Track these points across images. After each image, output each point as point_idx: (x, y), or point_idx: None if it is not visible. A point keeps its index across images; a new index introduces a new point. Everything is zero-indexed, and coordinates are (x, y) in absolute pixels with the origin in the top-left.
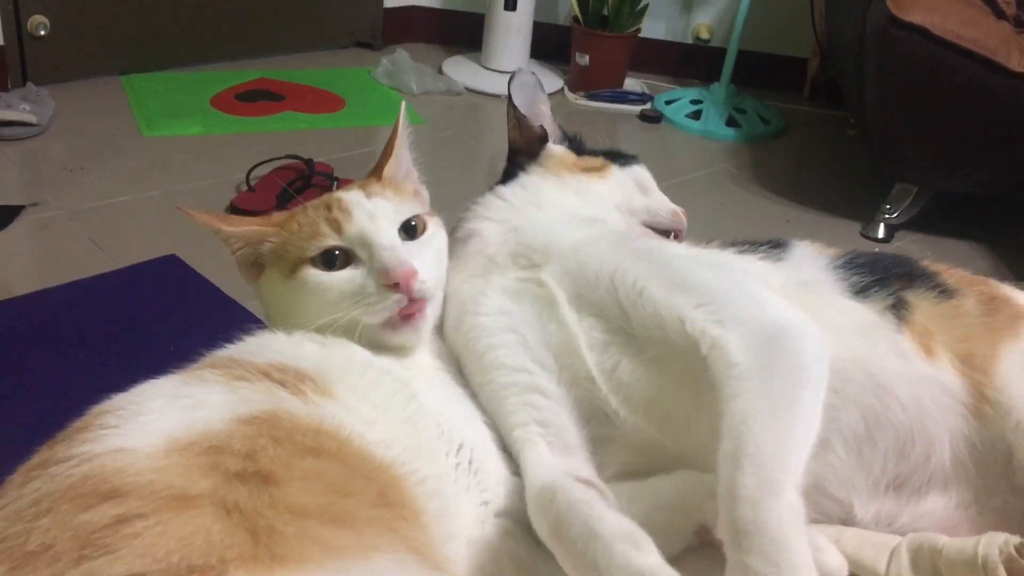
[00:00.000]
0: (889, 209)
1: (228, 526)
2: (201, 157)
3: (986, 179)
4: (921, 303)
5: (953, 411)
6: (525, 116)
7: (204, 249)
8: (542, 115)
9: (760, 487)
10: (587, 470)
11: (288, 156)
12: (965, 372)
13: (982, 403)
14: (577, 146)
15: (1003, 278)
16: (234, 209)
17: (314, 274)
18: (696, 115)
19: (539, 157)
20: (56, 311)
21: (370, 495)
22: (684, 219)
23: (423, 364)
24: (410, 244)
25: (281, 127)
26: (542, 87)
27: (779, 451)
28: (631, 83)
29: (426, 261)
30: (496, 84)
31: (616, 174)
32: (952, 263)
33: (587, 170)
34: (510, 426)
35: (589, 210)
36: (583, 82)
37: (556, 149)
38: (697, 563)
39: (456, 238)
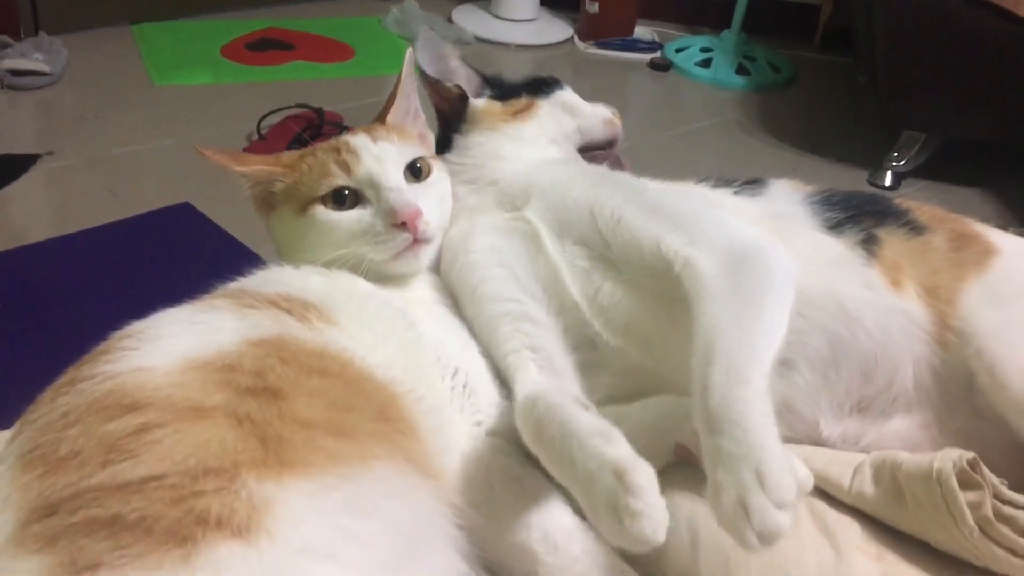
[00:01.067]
0: (896, 157)
1: (240, 434)
2: (212, 106)
3: (993, 125)
4: (891, 239)
5: (917, 339)
6: (438, 79)
7: (218, 197)
8: (454, 71)
9: (729, 378)
10: (575, 390)
11: (298, 105)
12: (930, 303)
13: (945, 332)
14: (499, 90)
15: (1008, 225)
16: None
17: (324, 212)
18: (706, 63)
19: (466, 116)
20: (72, 258)
21: (370, 411)
22: (618, 122)
23: (422, 297)
24: (416, 186)
25: (291, 76)
26: (443, 43)
27: (746, 348)
28: (641, 31)
29: (430, 203)
30: (506, 32)
31: (543, 107)
32: (958, 210)
33: (517, 113)
34: (503, 352)
35: (539, 152)
36: (593, 30)
37: (479, 103)
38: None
39: None
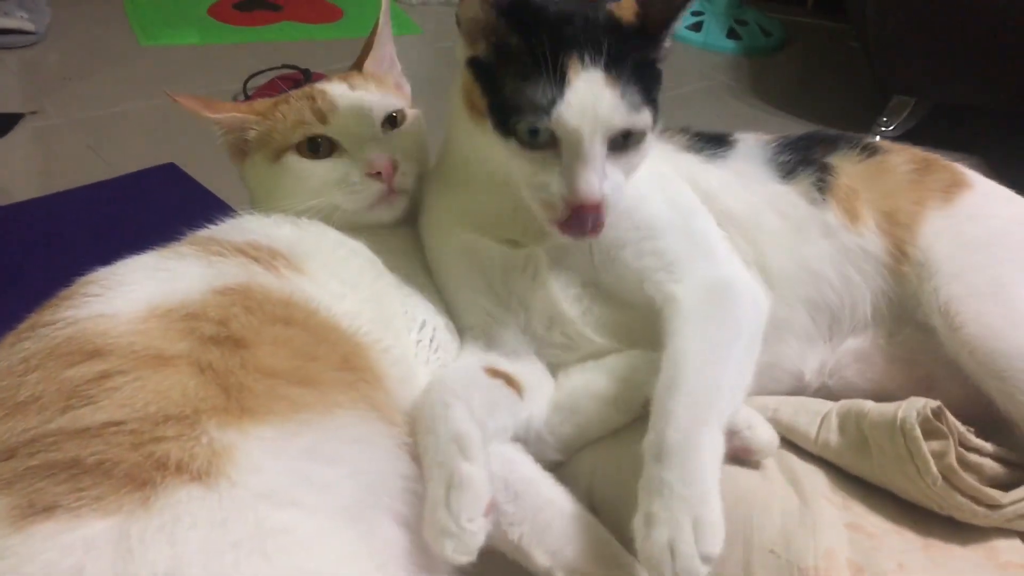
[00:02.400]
0: (885, 122)
1: (202, 382)
2: (198, 66)
3: (981, 90)
4: (844, 164)
5: (875, 274)
6: None
7: (202, 157)
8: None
9: (691, 414)
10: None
11: (285, 66)
12: (887, 230)
13: (902, 262)
14: None
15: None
16: None
17: (298, 160)
18: (697, 27)
19: None
20: (55, 217)
21: (335, 359)
22: None
23: (394, 248)
24: (392, 134)
25: (279, 37)
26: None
27: (712, 390)
28: None
29: (405, 152)
30: None
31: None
32: None
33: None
34: (462, 326)
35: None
36: None
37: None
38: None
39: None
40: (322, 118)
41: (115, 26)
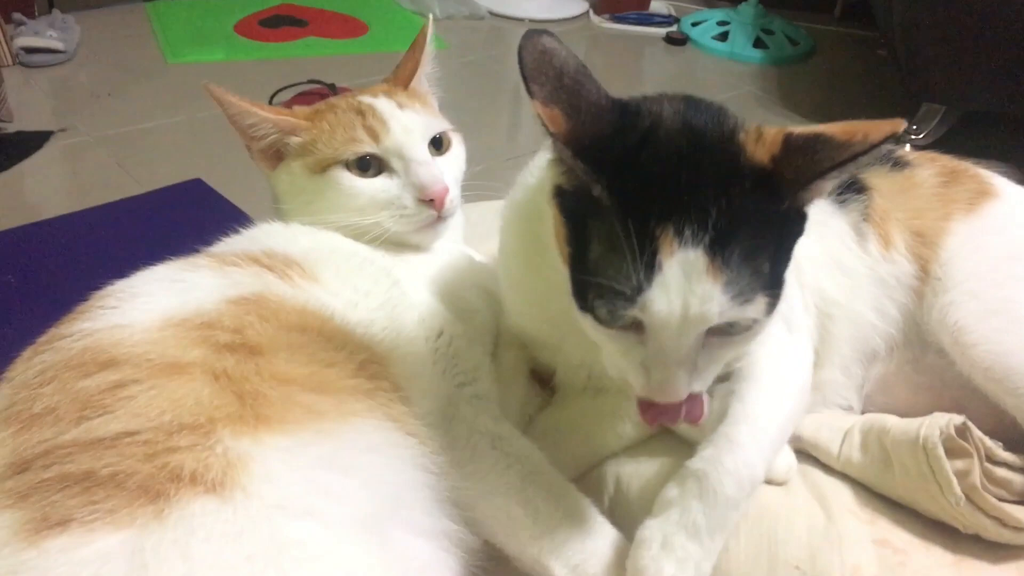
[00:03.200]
0: (916, 130)
1: (217, 390)
2: (225, 83)
3: (1013, 98)
4: (877, 181)
5: (906, 300)
6: None
7: (229, 173)
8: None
9: (747, 473)
10: None
11: (311, 81)
12: (916, 252)
13: (925, 282)
14: None
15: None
16: None
17: (347, 177)
18: (723, 37)
19: None
20: (85, 233)
21: (351, 367)
22: None
23: (409, 257)
24: (439, 159)
25: (304, 53)
26: None
27: (770, 443)
28: (657, 5)
29: (452, 178)
30: (520, 7)
31: None
32: None
33: None
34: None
35: None
36: (608, 4)
37: None
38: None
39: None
40: (374, 136)
41: (143, 44)
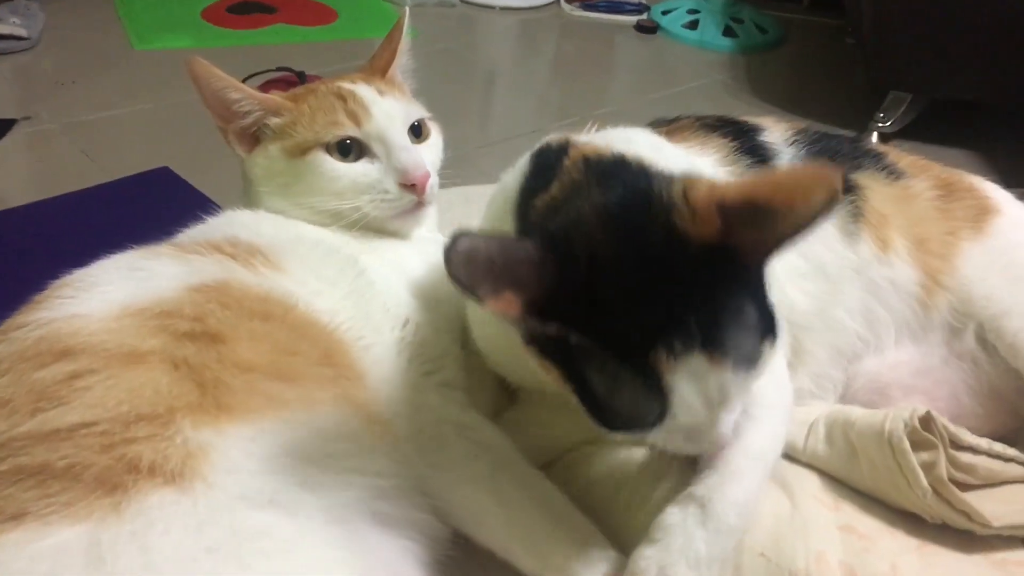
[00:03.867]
0: (883, 117)
1: (176, 379)
2: None
3: (979, 86)
4: (874, 185)
5: (903, 306)
6: None
7: (196, 161)
8: None
9: (745, 508)
10: None
11: (280, 68)
12: (920, 259)
13: (934, 293)
14: None
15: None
16: None
17: (328, 160)
18: (693, 25)
19: None
20: (51, 223)
21: (315, 355)
22: None
23: (377, 246)
24: (420, 147)
25: (273, 40)
26: None
27: (759, 489)
28: None
29: (432, 165)
30: None
31: None
32: None
33: None
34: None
35: None
36: None
37: None
38: None
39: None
40: (356, 120)
41: (109, 31)
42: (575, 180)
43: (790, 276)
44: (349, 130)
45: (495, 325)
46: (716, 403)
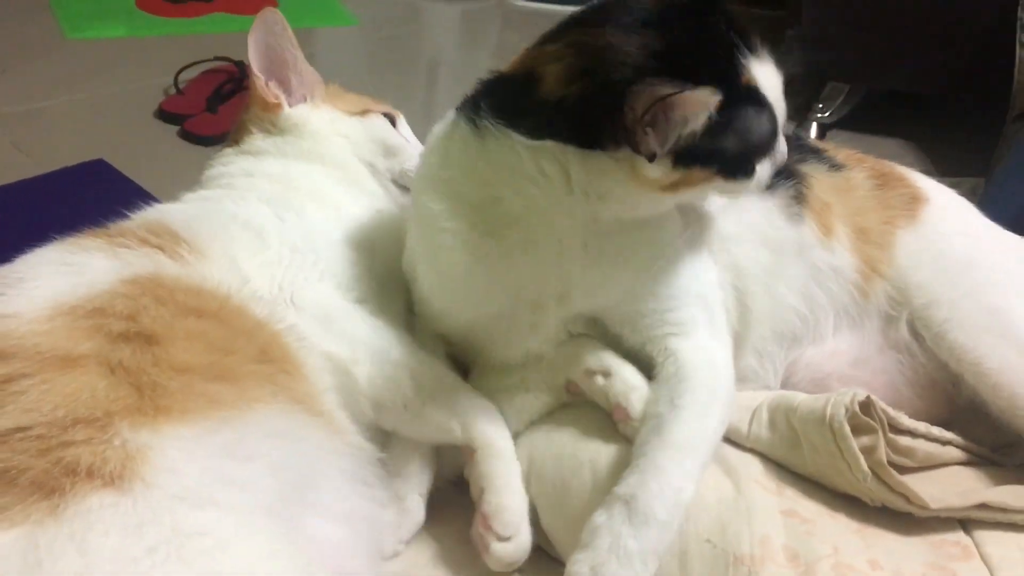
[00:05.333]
0: (821, 108)
1: (113, 382)
2: (127, 60)
3: (915, 76)
4: (816, 174)
5: (841, 292)
6: None
7: (133, 153)
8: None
9: (674, 497)
10: None
11: (218, 58)
12: (859, 248)
13: (872, 281)
14: None
15: (930, 175)
16: (163, 113)
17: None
18: None
19: None
20: None
21: (252, 352)
22: None
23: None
24: None
25: (211, 29)
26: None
27: (694, 453)
28: None
29: None
30: None
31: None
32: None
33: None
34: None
35: None
36: None
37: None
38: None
39: None
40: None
41: (39, 18)
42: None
43: (735, 240)
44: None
45: (474, 263)
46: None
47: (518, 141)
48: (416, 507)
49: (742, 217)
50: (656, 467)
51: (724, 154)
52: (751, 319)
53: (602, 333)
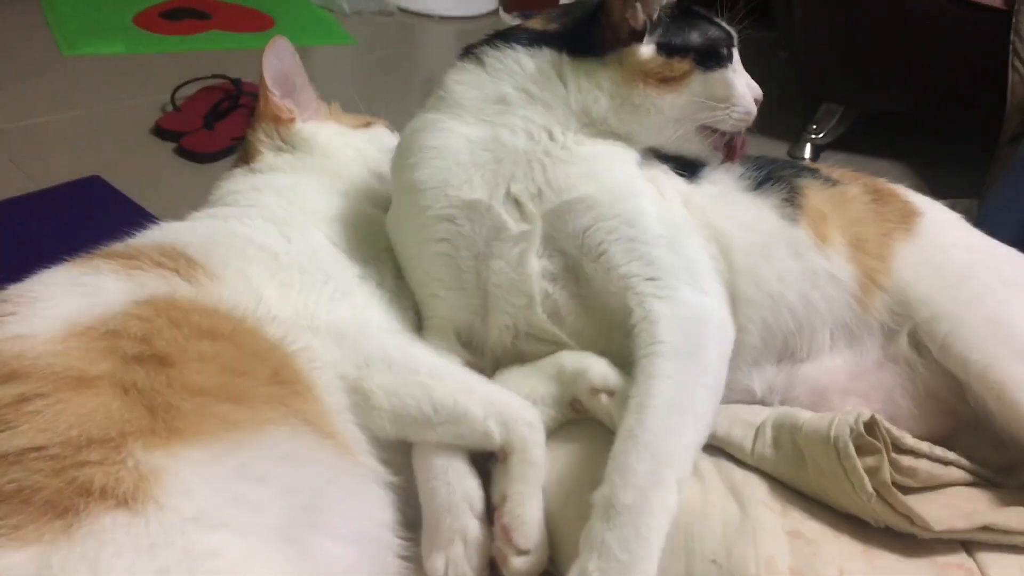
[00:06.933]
0: (815, 129)
1: (127, 404)
2: (124, 77)
3: (909, 99)
4: (812, 188)
5: (840, 302)
6: None
7: (128, 169)
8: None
9: (648, 477)
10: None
11: (214, 76)
12: (857, 258)
13: (871, 293)
14: (667, 37)
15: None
16: (160, 130)
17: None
18: None
19: (620, 48)
20: None
21: (264, 373)
22: (754, 112)
23: (313, 240)
24: None
25: (207, 46)
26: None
27: (673, 448)
28: (567, 3)
29: None
30: (429, 3)
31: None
32: None
33: (666, 79)
34: (426, 313)
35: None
36: (518, 1)
37: (643, 50)
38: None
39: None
40: None
41: (36, 35)
42: None
43: (722, 220)
44: None
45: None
46: None
47: (519, 50)
48: (475, 530)
49: (726, 209)
50: (623, 469)
51: (693, 45)
52: (737, 297)
53: (599, 321)
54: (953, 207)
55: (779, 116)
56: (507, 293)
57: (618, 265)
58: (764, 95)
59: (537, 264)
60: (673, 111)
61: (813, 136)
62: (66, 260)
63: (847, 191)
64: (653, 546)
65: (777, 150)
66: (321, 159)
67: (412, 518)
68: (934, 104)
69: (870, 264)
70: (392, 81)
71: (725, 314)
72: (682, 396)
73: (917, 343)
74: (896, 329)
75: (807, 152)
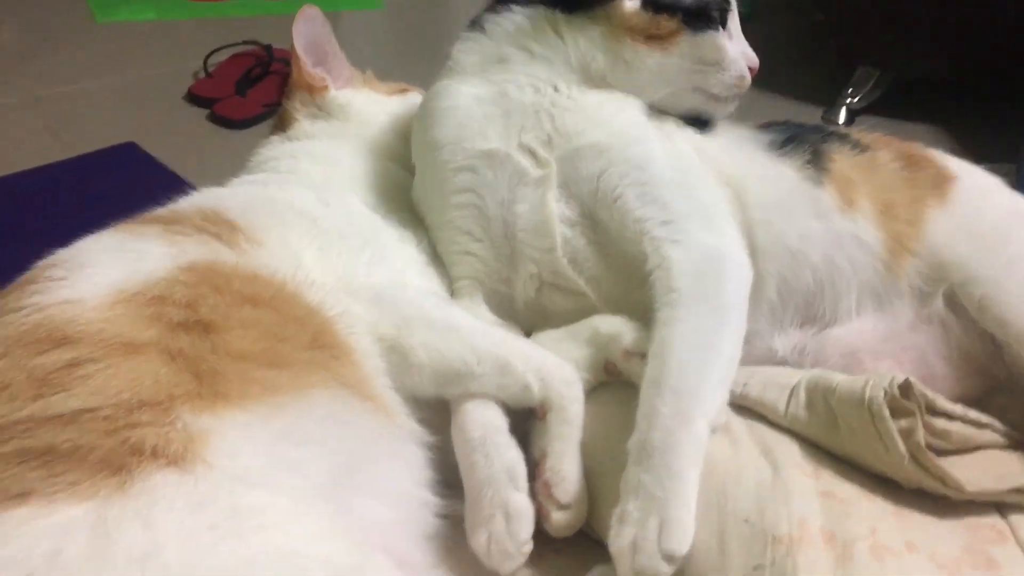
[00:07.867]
0: (851, 93)
1: (174, 369)
2: (157, 43)
3: (945, 63)
4: (840, 154)
5: (867, 266)
6: None
7: (163, 136)
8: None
9: (674, 416)
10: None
11: (246, 42)
12: (886, 223)
13: (901, 256)
14: None
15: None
16: (193, 96)
17: None
18: None
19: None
20: (13, 200)
21: (304, 339)
22: (749, 79)
23: (350, 204)
24: None
25: (239, 12)
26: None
27: (696, 386)
28: None
29: None
30: None
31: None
32: None
33: (652, 37)
34: (455, 275)
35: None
36: None
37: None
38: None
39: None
40: None
41: (70, 3)
42: None
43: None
44: None
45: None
46: None
47: (516, 11)
48: (523, 505)
49: (743, 160)
50: (651, 413)
51: (682, 5)
52: (754, 247)
53: (619, 267)
54: (992, 172)
55: (814, 80)
56: (532, 237)
57: (632, 210)
58: (801, 60)
59: (555, 208)
60: (664, 71)
61: (848, 100)
62: (103, 226)
63: (877, 157)
64: (687, 481)
65: (812, 113)
66: (357, 126)
67: (451, 479)
68: (973, 67)
69: (900, 229)
70: (422, 47)
71: (742, 254)
72: (701, 338)
73: (953, 304)
74: (929, 292)
75: (842, 116)
